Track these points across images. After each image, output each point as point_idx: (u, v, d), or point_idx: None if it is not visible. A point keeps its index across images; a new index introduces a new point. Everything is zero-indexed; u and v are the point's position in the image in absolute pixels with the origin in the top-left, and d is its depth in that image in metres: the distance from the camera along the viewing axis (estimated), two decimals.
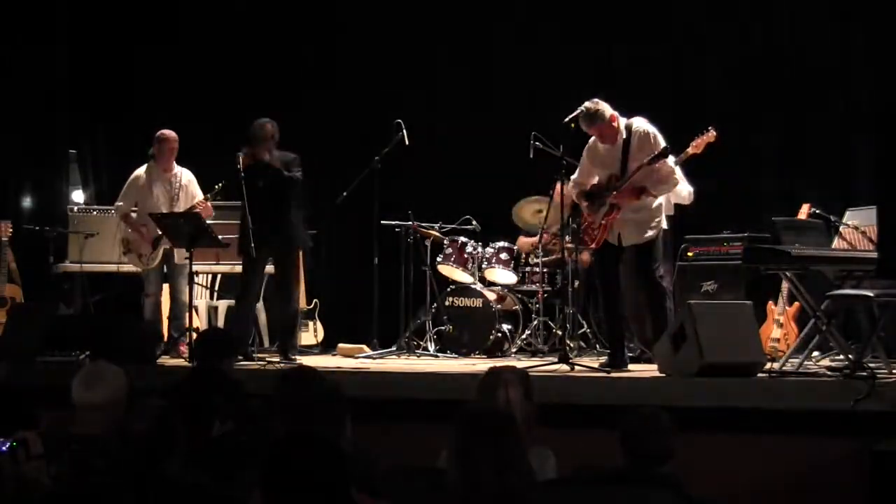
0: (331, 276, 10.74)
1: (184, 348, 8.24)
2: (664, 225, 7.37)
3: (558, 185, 7.74)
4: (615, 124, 7.19)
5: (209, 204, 8.43)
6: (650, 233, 7.22)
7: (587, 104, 7.20)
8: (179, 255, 8.46)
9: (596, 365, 7.23)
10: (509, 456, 3.10)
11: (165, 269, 8.68)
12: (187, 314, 8.19)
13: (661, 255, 7.35)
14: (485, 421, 3.18)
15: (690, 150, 7.92)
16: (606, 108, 7.19)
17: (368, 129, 10.48)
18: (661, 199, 7.32)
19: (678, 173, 7.82)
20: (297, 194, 8.12)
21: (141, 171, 8.73)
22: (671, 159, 7.24)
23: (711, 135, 7.87)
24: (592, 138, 7.36)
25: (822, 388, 6.03)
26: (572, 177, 7.52)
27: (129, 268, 9.05)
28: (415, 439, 5.24)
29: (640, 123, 7.22)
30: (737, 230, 8.70)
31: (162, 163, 8.66)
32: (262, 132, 8.02)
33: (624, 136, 7.19)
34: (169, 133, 8.69)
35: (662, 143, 7.13)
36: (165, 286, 8.79)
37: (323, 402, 3.84)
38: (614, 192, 7.13)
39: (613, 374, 6.88)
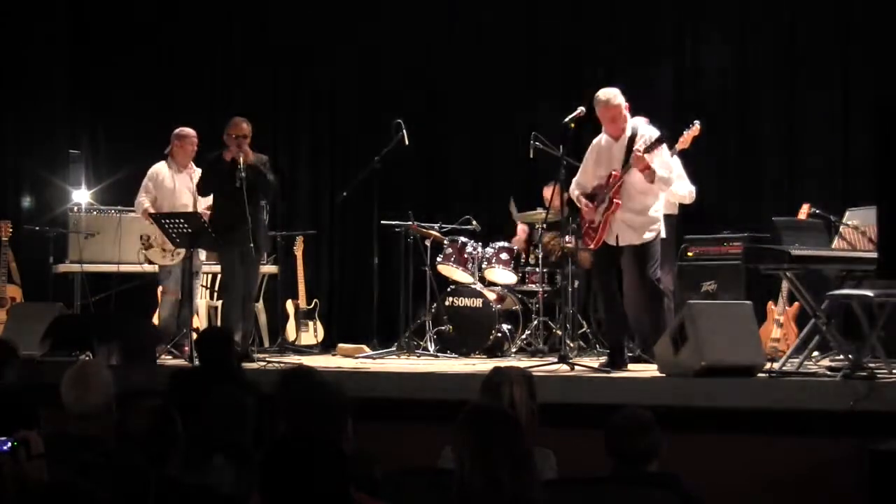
0: (331, 276, 10.75)
1: (188, 348, 8.26)
2: (663, 232, 7.37)
3: (557, 186, 7.73)
4: (625, 115, 7.26)
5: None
6: (648, 235, 7.24)
7: (604, 89, 7.33)
8: (202, 254, 8.48)
9: (596, 365, 7.23)
10: (521, 454, 3.10)
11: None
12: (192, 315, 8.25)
13: (659, 258, 7.35)
14: (496, 419, 3.17)
15: (678, 146, 7.94)
16: (620, 96, 7.27)
17: (368, 129, 10.50)
18: (660, 205, 7.29)
19: (681, 172, 7.85)
20: (267, 197, 8.15)
21: (159, 167, 8.72)
22: (666, 152, 7.25)
23: (696, 129, 7.90)
24: (597, 138, 7.39)
25: (822, 388, 6.03)
26: (574, 178, 7.53)
27: (129, 268, 9.05)
28: (415, 439, 5.24)
29: (646, 127, 7.26)
30: (737, 230, 8.70)
31: (183, 159, 8.68)
32: (242, 130, 8.01)
33: (629, 134, 7.22)
34: (189, 130, 8.71)
35: (666, 155, 7.16)
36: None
37: (323, 402, 3.84)
38: (622, 167, 7.15)
39: (613, 374, 6.88)
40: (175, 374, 5.66)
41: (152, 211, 8.54)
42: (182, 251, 8.43)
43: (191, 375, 5.66)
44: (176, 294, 8.63)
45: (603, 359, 7.45)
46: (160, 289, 8.79)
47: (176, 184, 8.66)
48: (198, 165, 8.58)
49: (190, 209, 8.49)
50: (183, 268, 8.49)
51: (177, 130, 8.73)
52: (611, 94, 7.31)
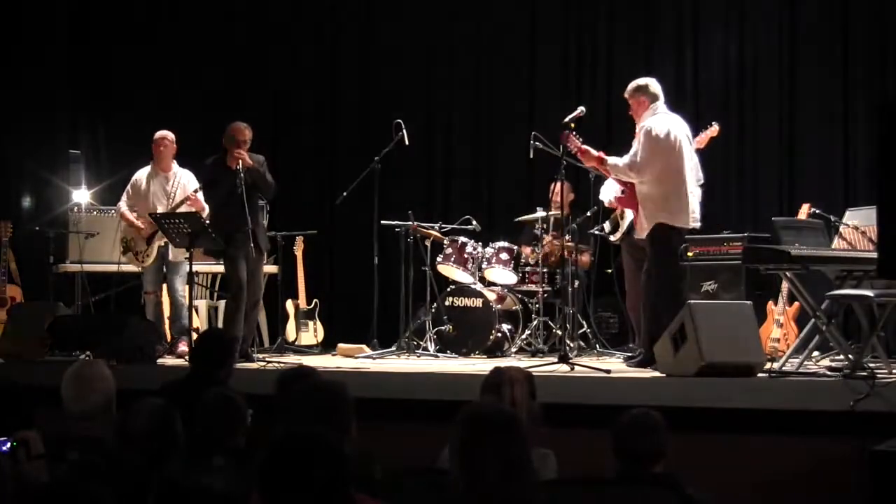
0: (331, 276, 10.74)
1: (183, 348, 8.26)
2: (671, 222, 7.19)
3: (557, 186, 7.73)
4: (639, 111, 7.26)
5: (199, 197, 8.40)
6: (646, 226, 7.21)
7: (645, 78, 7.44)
8: (174, 252, 8.48)
9: (597, 365, 7.21)
10: (515, 456, 3.08)
11: (165, 269, 8.71)
12: (186, 314, 8.22)
13: (671, 261, 7.22)
14: (490, 420, 3.16)
15: (694, 146, 7.94)
16: (649, 89, 7.30)
17: (368, 129, 10.50)
18: (657, 195, 7.18)
19: None
20: (266, 197, 8.16)
21: (142, 172, 8.83)
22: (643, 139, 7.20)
23: (714, 129, 7.91)
24: None
25: (822, 388, 6.03)
26: None
27: (129, 268, 9.06)
28: (415, 439, 5.23)
29: (653, 120, 7.22)
30: (737, 230, 8.70)
31: (159, 162, 8.73)
32: (244, 136, 8.00)
33: (638, 130, 7.25)
34: (162, 133, 8.76)
35: (643, 146, 7.12)
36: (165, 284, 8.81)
37: (324, 403, 3.84)
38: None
39: (613, 374, 6.88)
40: (164, 385, 5.50)
41: (128, 215, 8.66)
42: (152, 254, 8.55)
43: (179, 383, 5.48)
44: (155, 294, 8.68)
45: (605, 358, 7.44)
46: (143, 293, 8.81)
47: (151, 188, 8.70)
48: (197, 170, 8.57)
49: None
50: (157, 266, 8.60)
51: (154, 135, 8.78)
52: (628, 88, 7.40)
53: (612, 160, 7.29)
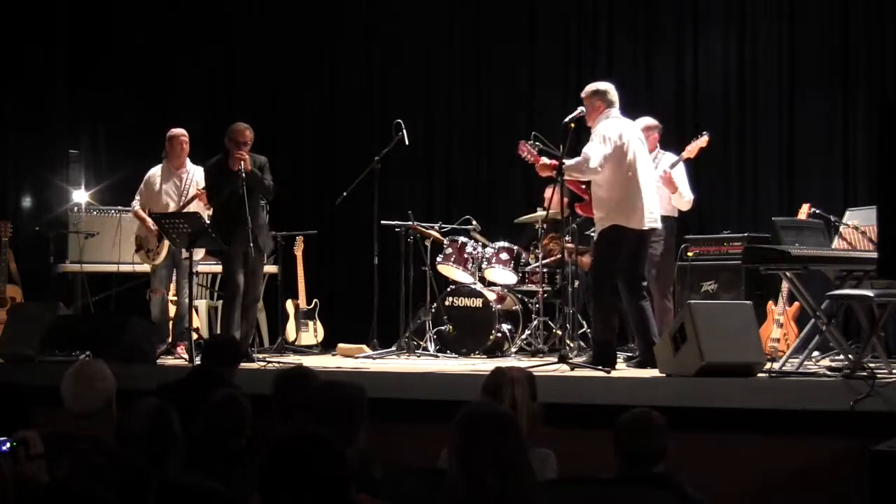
0: (331, 276, 10.74)
1: (182, 349, 8.25)
2: (624, 223, 7.19)
3: (558, 187, 7.73)
4: (598, 111, 7.29)
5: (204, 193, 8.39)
6: (597, 230, 7.30)
7: (605, 83, 7.41)
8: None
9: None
10: (511, 456, 3.08)
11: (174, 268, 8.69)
12: (187, 314, 8.22)
13: (605, 253, 7.30)
14: (486, 421, 3.16)
15: (685, 155, 8.01)
16: (607, 95, 7.29)
17: (369, 129, 10.50)
18: (609, 196, 7.22)
19: (681, 179, 7.89)
20: (267, 197, 8.15)
21: (155, 170, 8.75)
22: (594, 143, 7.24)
23: (704, 140, 7.96)
24: None
25: (822, 388, 6.03)
26: None
27: (128, 267, 9.06)
28: (415, 439, 5.24)
29: (605, 124, 7.24)
30: (737, 230, 8.71)
31: (172, 160, 8.68)
32: (244, 137, 7.99)
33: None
34: (177, 130, 8.71)
35: (596, 145, 7.14)
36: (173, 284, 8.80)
37: (322, 404, 3.84)
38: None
39: (613, 374, 6.88)
40: (163, 385, 5.49)
41: (141, 213, 8.63)
42: (163, 252, 8.50)
43: (177, 384, 5.48)
44: (162, 292, 8.66)
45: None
46: (149, 290, 8.80)
47: (163, 188, 8.67)
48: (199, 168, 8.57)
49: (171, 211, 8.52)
50: (168, 264, 8.56)
51: (168, 132, 8.76)
52: (586, 90, 7.39)
53: (567, 164, 7.29)
